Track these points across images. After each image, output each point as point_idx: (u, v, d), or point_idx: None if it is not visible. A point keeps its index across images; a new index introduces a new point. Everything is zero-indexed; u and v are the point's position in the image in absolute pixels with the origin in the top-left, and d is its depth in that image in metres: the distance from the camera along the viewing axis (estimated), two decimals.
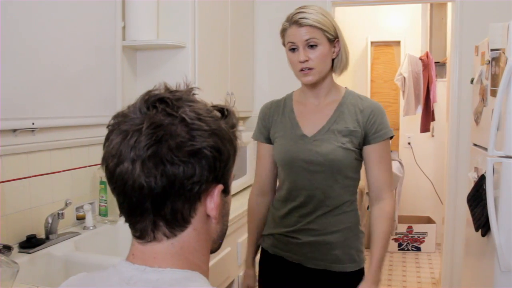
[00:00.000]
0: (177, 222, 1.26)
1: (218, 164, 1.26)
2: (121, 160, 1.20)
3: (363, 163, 2.77)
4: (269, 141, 2.84)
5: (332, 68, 2.73)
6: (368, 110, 2.69)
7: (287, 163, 2.72)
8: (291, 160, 2.69)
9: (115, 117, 1.27)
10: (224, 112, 1.34)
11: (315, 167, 2.65)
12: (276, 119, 2.82)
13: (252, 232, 2.96)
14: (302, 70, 2.61)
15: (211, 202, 1.29)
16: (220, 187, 1.30)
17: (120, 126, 1.23)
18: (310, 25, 2.56)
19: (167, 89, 1.30)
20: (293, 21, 2.58)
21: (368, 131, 2.67)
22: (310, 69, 2.60)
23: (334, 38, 2.64)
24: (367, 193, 2.79)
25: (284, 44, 2.71)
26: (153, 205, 1.22)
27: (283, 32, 2.67)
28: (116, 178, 1.23)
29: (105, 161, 1.25)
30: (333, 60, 2.70)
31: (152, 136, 1.17)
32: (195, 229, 1.29)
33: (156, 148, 1.17)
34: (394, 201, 2.77)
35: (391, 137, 2.73)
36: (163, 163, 1.17)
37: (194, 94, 1.33)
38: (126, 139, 1.20)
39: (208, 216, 1.31)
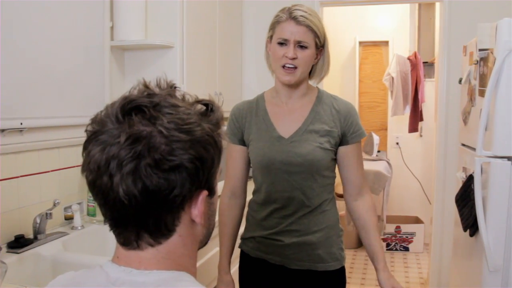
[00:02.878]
0: (160, 232, 1.25)
1: (201, 173, 1.24)
2: (99, 175, 1.19)
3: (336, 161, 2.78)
4: (242, 142, 2.81)
5: (309, 74, 2.74)
6: (345, 111, 2.70)
7: (265, 166, 2.70)
8: (269, 163, 2.67)
9: (93, 121, 1.24)
10: (208, 107, 1.31)
11: (294, 168, 2.64)
12: (249, 120, 2.78)
13: (228, 235, 2.87)
14: (284, 66, 2.59)
15: (195, 209, 1.27)
16: (204, 193, 1.28)
17: (98, 136, 1.20)
18: (307, 26, 2.54)
19: (145, 89, 1.27)
20: (292, 16, 2.54)
21: (346, 132, 2.68)
22: (294, 68, 2.58)
23: (320, 46, 2.64)
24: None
25: (270, 37, 2.68)
26: (135, 218, 1.21)
27: (276, 24, 2.62)
28: (97, 191, 1.22)
29: (84, 172, 1.24)
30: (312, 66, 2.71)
31: (130, 152, 1.15)
32: (180, 235, 1.28)
33: (135, 164, 1.15)
34: None
35: None
36: (141, 179, 1.16)
37: (174, 94, 1.29)
38: (104, 152, 1.17)
39: (193, 221, 1.29)
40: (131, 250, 1.27)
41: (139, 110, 1.20)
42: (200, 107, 1.30)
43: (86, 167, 1.22)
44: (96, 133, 1.21)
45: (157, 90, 1.28)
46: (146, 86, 1.28)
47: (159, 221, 1.23)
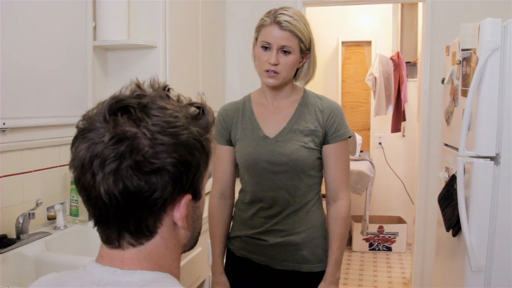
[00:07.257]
0: (142, 232, 1.25)
1: (185, 177, 1.24)
2: (83, 172, 1.20)
3: None
4: (229, 143, 2.81)
5: (295, 76, 2.74)
6: (328, 110, 2.70)
7: (250, 165, 2.71)
8: (254, 162, 2.68)
9: (84, 118, 1.24)
10: (200, 111, 1.31)
11: (279, 167, 2.64)
12: (236, 121, 2.79)
13: (218, 236, 2.88)
14: (267, 71, 2.59)
15: (178, 212, 1.27)
16: (187, 197, 1.27)
17: (85, 133, 1.21)
18: (291, 31, 2.53)
19: (136, 89, 1.27)
20: (276, 21, 2.54)
21: (327, 131, 2.67)
22: (276, 72, 2.58)
23: (305, 50, 2.64)
24: (323, 196, 2.79)
25: (255, 39, 2.68)
26: (116, 217, 1.22)
27: (260, 27, 2.62)
28: (80, 188, 1.23)
29: (70, 168, 1.25)
30: (297, 69, 2.70)
31: (113, 152, 1.15)
32: (162, 237, 1.28)
33: (117, 165, 1.16)
34: (350, 202, 2.78)
35: (349, 137, 2.74)
36: (122, 180, 1.16)
37: (166, 95, 1.29)
38: (89, 150, 1.18)
39: (175, 223, 1.29)
40: (113, 249, 1.27)
41: (126, 111, 1.20)
42: (192, 110, 1.30)
43: (72, 163, 1.23)
44: (84, 130, 1.22)
45: (149, 91, 1.28)
46: (138, 86, 1.28)
47: (139, 222, 1.23)
